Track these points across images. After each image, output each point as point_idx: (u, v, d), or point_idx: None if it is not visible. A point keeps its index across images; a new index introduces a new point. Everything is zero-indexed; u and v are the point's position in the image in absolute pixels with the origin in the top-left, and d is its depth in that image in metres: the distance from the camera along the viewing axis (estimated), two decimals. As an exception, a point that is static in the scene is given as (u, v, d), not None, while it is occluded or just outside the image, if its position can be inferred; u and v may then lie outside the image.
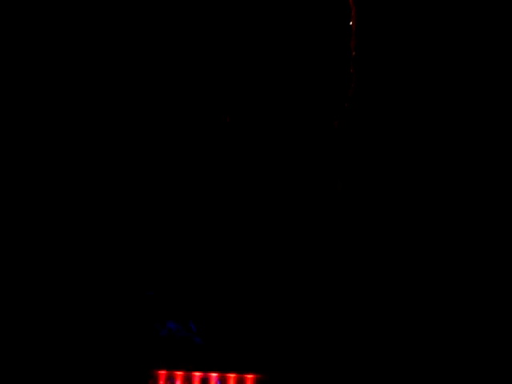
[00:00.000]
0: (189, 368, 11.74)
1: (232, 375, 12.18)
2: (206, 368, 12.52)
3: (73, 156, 9.85)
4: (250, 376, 12.06)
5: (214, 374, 11.63)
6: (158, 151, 10.42)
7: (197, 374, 11.48)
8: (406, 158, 9.39)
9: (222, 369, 12.63)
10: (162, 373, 11.78)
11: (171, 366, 12.59)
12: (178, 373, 11.68)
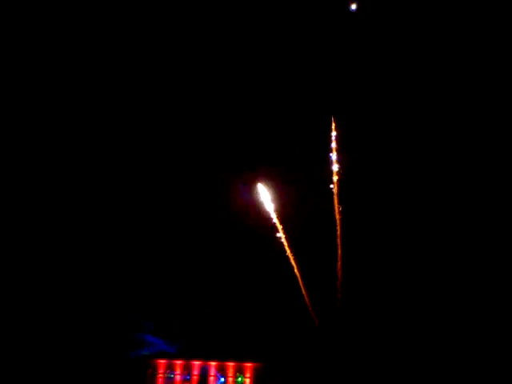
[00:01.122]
0: (188, 357, 12.41)
1: (231, 363, 12.98)
2: (205, 357, 13.36)
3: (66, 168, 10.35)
4: (248, 364, 12.82)
5: (213, 363, 12.24)
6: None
7: (196, 362, 12.08)
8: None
9: (221, 357, 13.51)
10: (162, 362, 12.40)
11: (170, 355, 13.38)
12: (178, 362, 12.27)
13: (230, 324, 36.12)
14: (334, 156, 33.07)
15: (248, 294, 35.99)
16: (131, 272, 35.93)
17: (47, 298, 35.05)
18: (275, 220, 33.72)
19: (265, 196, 33.60)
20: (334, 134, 33.13)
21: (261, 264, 35.54)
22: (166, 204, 35.79)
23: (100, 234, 35.39)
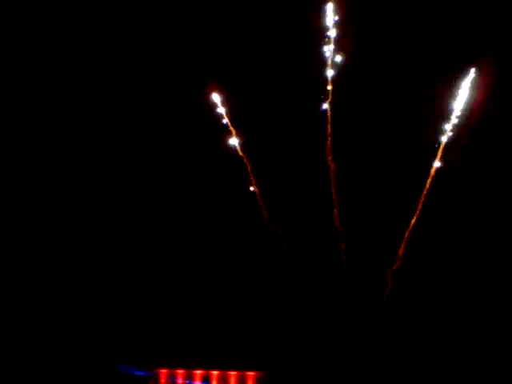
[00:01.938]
0: (190, 366, 12.38)
1: (233, 373, 12.95)
2: (207, 366, 13.31)
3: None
4: (250, 373, 12.79)
5: (215, 372, 12.21)
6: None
7: (198, 371, 12.05)
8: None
9: (223, 367, 13.44)
10: (164, 371, 12.38)
11: (172, 365, 13.36)
12: (180, 371, 12.25)
13: (232, 333, 36.00)
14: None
15: (250, 303, 35.90)
16: (130, 279, 35.88)
17: (47, 307, 35.01)
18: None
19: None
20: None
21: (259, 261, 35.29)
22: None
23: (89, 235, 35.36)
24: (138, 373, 33.60)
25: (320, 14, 31.22)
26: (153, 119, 34.80)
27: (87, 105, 34.89)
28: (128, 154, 35.03)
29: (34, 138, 34.98)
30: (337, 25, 30.96)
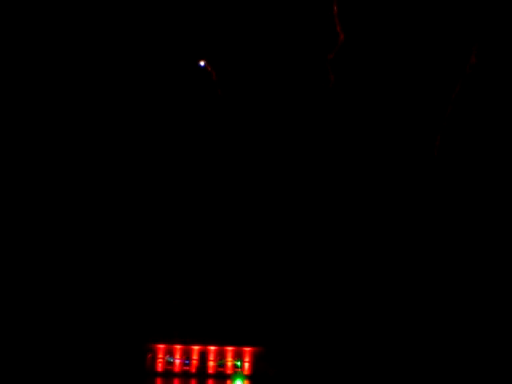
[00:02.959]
0: (187, 342, 12.61)
1: (230, 348, 13.19)
2: (205, 342, 13.54)
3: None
4: (247, 349, 13.03)
5: (212, 348, 12.45)
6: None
7: (195, 347, 12.29)
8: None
9: (220, 342, 13.68)
10: (161, 346, 12.61)
11: (170, 340, 13.61)
12: (177, 346, 12.49)
13: (228, 309, 36.28)
14: None
15: (246, 279, 36.14)
16: (129, 258, 36.10)
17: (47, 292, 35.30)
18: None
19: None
20: None
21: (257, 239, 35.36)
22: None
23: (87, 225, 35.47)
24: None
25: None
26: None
27: (81, 84, 35.04)
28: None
29: (34, 138, 35.12)
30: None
